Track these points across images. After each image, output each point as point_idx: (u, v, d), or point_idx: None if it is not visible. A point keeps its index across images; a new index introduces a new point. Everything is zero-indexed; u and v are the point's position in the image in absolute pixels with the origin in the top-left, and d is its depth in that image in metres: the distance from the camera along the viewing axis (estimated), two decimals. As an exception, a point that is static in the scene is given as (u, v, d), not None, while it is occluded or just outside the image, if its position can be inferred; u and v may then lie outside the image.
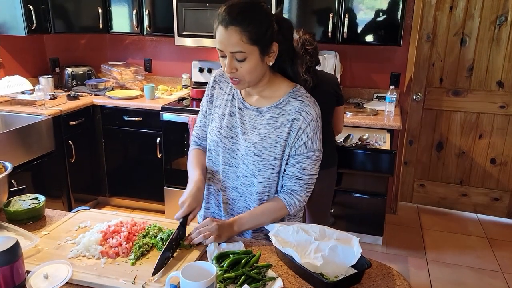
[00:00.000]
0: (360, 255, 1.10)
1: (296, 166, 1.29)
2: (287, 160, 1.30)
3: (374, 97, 3.30)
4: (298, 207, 1.33)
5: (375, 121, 2.79)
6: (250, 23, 1.15)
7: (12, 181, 2.23)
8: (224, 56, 1.20)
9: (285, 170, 1.32)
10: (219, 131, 1.34)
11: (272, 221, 1.31)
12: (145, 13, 3.24)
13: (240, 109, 1.32)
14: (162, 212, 3.35)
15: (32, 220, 1.37)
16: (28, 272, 1.07)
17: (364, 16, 2.89)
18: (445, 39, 3.24)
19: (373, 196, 2.92)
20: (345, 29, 2.89)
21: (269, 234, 1.22)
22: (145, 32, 3.32)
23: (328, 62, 3.06)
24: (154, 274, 1.08)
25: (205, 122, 1.43)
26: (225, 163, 1.35)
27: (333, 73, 3.07)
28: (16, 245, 1.03)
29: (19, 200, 1.42)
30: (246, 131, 1.30)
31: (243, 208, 1.38)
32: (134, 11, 3.25)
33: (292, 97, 1.28)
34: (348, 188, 2.95)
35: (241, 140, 1.30)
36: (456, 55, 3.24)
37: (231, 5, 1.17)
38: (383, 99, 3.18)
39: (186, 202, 1.26)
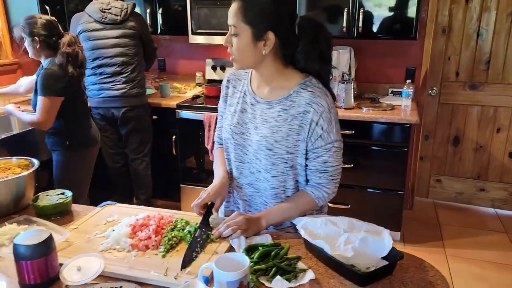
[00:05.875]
0: (391, 246, 1.10)
1: (317, 160, 1.28)
2: (307, 155, 1.29)
3: (389, 92, 3.27)
4: (327, 199, 1.33)
5: (391, 115, 2.77)
6: (251, 3, 1.19)
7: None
8: None
9: (307, 165, 1.31)
10: (230, 128, 1.35)
11: (300, 215, 1.31)
12: (159, 12, 3.25)
13: (252, 104, 1.33)
14: (178, 210, 3.36)
15: (60, 215, 1.39)
16: (61, 264, 1.08)
17: (379, 10, 2.87)
18: (461, 32, 3.20)
19: (389, 191, 2.90)
20: (360, 24, 2.87)
21: (297, 227, 1.22)
22: (159, 31, 3.34)
23: (343, 57, 3.04)
24: (182, 268, 1.08)
25: (224, 110, 1.45)
26: (238, 160, 1.36)
27: (347, 69, 3.07)
28: (50, 238, 1.04)
29: (47, 195, 1.43)
30: (257, 125, 1.30)
31: (260, 205, 1.38)
32: (148, 10, 3.27)
33: (302, 88, 1.26)
34: (364, 184, 2.94)
35: (253, 134, 1.30)
36: (472, 48, 3.21)
37: None
38: (398, 94, 3.16)
39: (205, 192, 1.30)
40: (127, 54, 2.86)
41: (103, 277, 1.07)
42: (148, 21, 3.28)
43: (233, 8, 1.21)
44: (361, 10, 2.85)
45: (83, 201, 2.63)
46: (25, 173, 1.43)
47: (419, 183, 3.61)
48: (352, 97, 2.95)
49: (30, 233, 1.05)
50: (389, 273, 1.08)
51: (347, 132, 2.84)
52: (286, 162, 1.29)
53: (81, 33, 2.84)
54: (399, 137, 2.80)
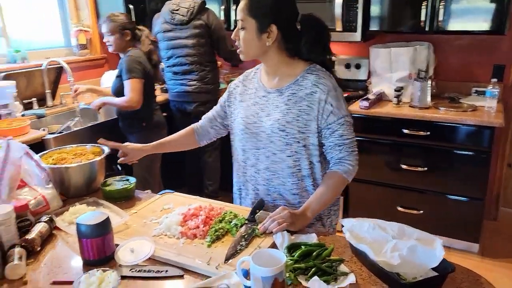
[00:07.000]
0: (442, 257, 1.02)
1: (333, 135, 1.37)
2: (323, 133, 1.37)
3: (473, 91, 3.00)
4: (353, 171, 1.39)
5: (472, 117, 2.55)
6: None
7: (118, 166, 2.49)
8: None
9: (324, 144, 1.39)
10: (243, 120, 1.46)
11: (337, 195, 1.42)
12: (233, 8, 3.33)
13: (263, 96, 1.45)
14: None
15: (124, 199, 1.51)
16: (117, 245, 1.18)
17: (462, 2, 2.64)
18: None
19: (468, 199, 2.68)
20: (440, 18, 2.67)
21: (343, 229, 1.19)
22: (232, 27, 3.42)
23: (420, 54, 2.86)
24: (226, 261, 1.12)
25: (219, 109, 1.61)
26: (253, 147, 1.46)
27: (425, 66, 2.88)
28: (107, 220, 1.14)
29: (114, 180, 1.57)
30: (270, 112, 1.41)
31: (279, 186, 1.45)
32: (223, 7, 3.36)
33: (308, 73, 1.39)
34: (439, 189, 2.75)
35: (266, 121, 1.41)
36: None
37: None
38: (483, 93, 2.89)
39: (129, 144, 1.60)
40: (195, 54, 2.98)
41: (152, 260, 1.14)
42: (221, 18, 3.37)
43: (241, 4, 1.35)
44: (442, 3, 2.64)
45: (157, 185, 2.83)
46: (97, 159, 1.58)
47: (506, 192, 3.27)
48: (429, 96, 2.77)
49: (91, 214, 1.16)
50: (438, 285, 1.01)
51: (421, 133, 2.69)
52: (298, 142, 1.38)
53: (157, 33, 3.03)
54: (481, 141, 2.57)
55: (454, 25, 2.70)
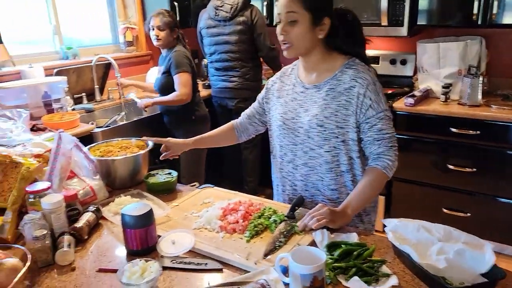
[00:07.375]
0: (493, 263, 0.97)
1: (371, 130, 1.33)
2: (361, 128, 1.35)
3: (529, 88, 2.83)
4: (393, 167, 1.34)
5: (528, 116, 2.40)
6: None
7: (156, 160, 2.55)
8: (280, 22, 1.33)
9: (362, 139, 1.36)
10: (281, 116, 1.46)
11: (377, 192, 1.38)
12: (276, 4, 3.31)
13: (302, 92, 1.43)
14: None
15: (166, 192, 1.54)
16: (159, 236, 1.21)
17: (520, -7, 2.49)
18: None
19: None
20: (494, 11, 2.53)
21: (386, 229, 1.16)
22: (274, 23, 3.40)
23: (470, 49, 2.72)
24: (265, 256, 1.12)
25: (257, 106, 1.63)
26: (291, 143, 1.45)
27: (476, 61, 2.74)
28: (150, 212, 1.17)
29: (157, 173, 1.61)
30: (308, 108, 1.40)
31: (317, 181, 1.43)
32: (265, 3, 3.36)
33: (347, 67, 1.36)
34: (489, 192, 2.62)
35: (304, 116, 1.39)
36: None
37: None
38: (540, 91, 2.71)
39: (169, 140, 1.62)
40: (237, 51, 3.00)
41: (192, 252, 1.16)
42: (264, 13, 3.36)
43: None
44: (497, -6, 2.50)
45: (202, 179, 2.89)
46: (141, 152, 1.62)
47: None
48: (480, 94, 2.63)
49: (135, 206, 1.20)
50: (487, 293, 0.96)
51: (471, 132, 2.56)
52: (337, 137, 1.36)
53: (202, 29, 3.08)
54: (537, 141, 2.41)
55: (509, 18, 2.55)
